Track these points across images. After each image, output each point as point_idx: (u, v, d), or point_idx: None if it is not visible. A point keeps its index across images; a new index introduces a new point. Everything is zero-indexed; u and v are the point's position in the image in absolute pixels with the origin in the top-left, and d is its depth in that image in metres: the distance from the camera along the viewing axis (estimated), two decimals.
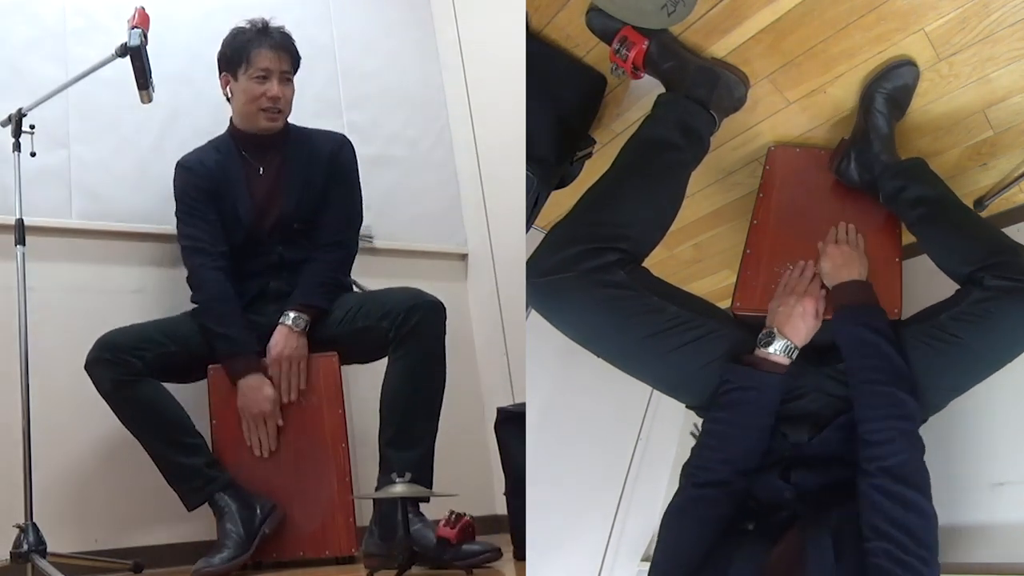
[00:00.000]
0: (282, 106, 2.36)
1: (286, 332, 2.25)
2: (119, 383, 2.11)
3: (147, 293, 2.48)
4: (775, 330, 1.65)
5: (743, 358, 1.64)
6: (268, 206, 2.36)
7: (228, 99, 2.40)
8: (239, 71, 2.33)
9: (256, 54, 2.32)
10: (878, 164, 1.90)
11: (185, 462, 2.15)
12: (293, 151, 2.42)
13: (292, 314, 2.26)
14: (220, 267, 2.31)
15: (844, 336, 1.64)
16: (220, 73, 2.38)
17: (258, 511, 2.16)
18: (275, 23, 2.42)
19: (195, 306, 2.35)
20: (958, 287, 1.67)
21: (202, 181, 2.36)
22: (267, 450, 2.23)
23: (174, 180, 2.39)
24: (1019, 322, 1.56)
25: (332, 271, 2.37)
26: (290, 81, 2.38)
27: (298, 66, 2.42)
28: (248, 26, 2.36)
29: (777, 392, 1.62)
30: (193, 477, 2.16)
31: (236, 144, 2.41)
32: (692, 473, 1.63)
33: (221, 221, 2.34)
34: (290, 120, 2.51)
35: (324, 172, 2.40)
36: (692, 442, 1.69)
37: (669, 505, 1.62)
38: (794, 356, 1.64)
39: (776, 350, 1.63)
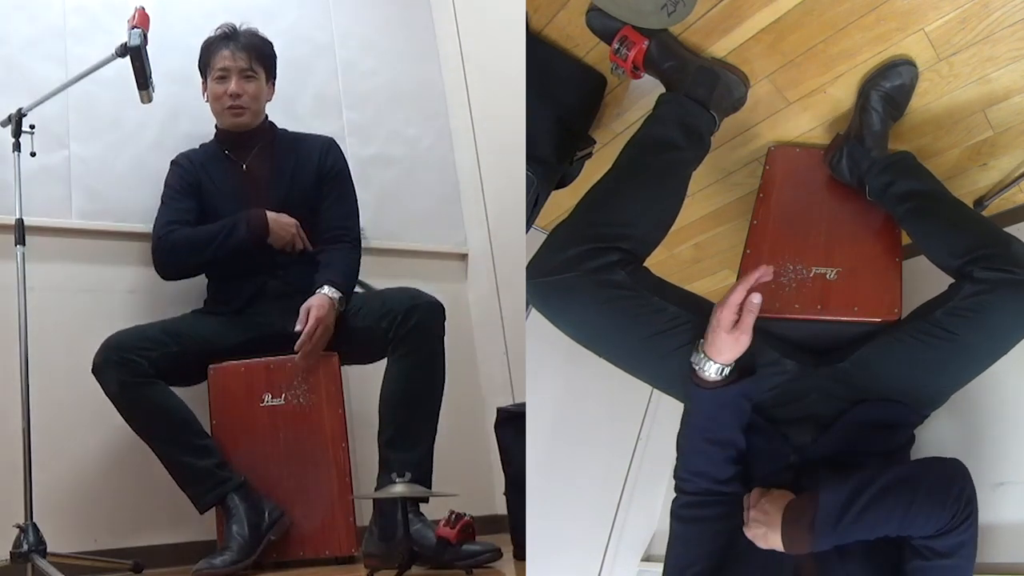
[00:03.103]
0: (245, 103, 2.39)
1: (328, 302, 2.23)
2: (126, 385, 2.11)
3: (147, 293, 2.48)
4: (699, 342, 1.56)
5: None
6: (256, 204, 2.36)
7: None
8: (207, 75, 2.42)
9: (215, 56, 2.39)
10: (867, 160, 1.90)
11: (196, 464, 2.14)
12: (280, 151, 2.45)
13: (336, 292, 2.24)
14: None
15: None
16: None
17: (266, 517, 2.15)
18: (274, 23, 2.43)
19: (197, 307, 2.39)
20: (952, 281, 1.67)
21: (187, 174, 2.41)
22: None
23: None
24: (1012, 314, 1.55)
25: (353, 265, 2.39)
26: (253, 79, 2.41)
27: (270, 64, 2.47)
28: (217, 33, 2.42)
29: (708, 407, 1.57)
30: (205, 479, 2.15)
31: (220, 144, 2.46)
32: (676, 483, 1.65)
33: (205, 217, 2.36)
34: (289, 120, 2.54)
35: (314, 172, 2.43)
36: None
37: (670, 515, 1.63)
38: (723, 373, 1.54)
39: (695, 363, 1.55)
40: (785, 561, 1.48)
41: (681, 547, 1.60)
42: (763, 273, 1.55)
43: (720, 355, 1.53)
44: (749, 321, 1.52)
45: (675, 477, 1.65)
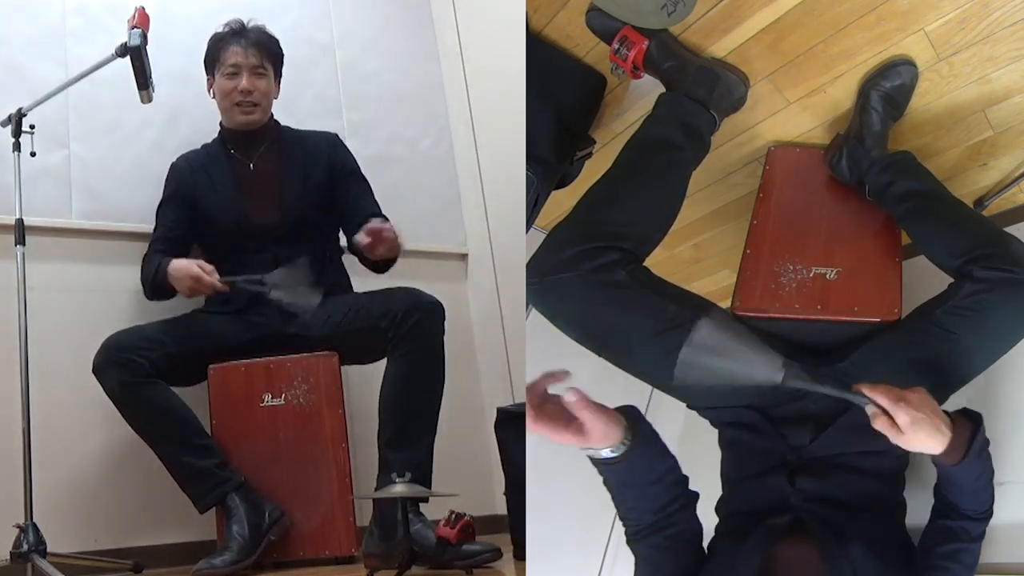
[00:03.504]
0: (256, 99, 2.39)
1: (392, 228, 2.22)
2: (127, 385, 2.11)
3: None
4: None
5: None
6: (263, 202, 2.37)
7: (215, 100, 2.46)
8: (215, 71, 2.40)
9: (226, 52, 2.38)
10: (867, 160, 1.90)
11: (196, 464, 2.15)
12: (289, 148, 2.45)
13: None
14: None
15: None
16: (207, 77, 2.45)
17: (266, 517, 2.15)
18: (275, 23, 2.43)
19: (197, 307, 2.40)
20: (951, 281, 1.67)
21: (181, 181, 2.41)
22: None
23: None
24: (1011, 313, 1.55)
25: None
26: (264, 76, 2.41)
27: (278, 62, 2.47)
28: (226, 29, 2.41)
29: (622, 477, 1.49)
30: (205, 479, 2.15)
31: (224, 143, 2.45)
32: (621, 520, 1.61)
33: (204, 220, 2.36)
34: (289, 120, 2.53)
35: (326, 168, 2.44)
36: (691, 443, 1.68)
37: (627, 543, 1.61)
38: (616, 452, 1.42)
39: (587, 453, 1.45)
40: (749, 563, 1.46)
41: (644, 565, 1.58)
42: (543, 393, 1.37)
43: (600, 444, 1.41)
44: (587, 416, 1.34)
45: (619, 516, 1.60)
